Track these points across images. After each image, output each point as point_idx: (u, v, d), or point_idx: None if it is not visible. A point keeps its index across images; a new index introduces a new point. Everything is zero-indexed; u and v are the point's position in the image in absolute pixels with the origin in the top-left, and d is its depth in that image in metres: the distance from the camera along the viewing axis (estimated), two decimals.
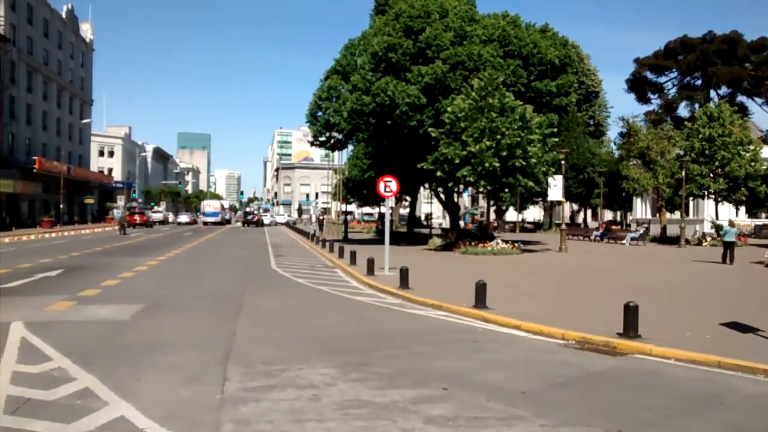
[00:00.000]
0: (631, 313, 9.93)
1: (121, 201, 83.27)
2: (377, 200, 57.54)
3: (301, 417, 6.05)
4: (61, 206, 62.63)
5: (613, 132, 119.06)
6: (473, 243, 30.00)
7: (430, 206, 77.94)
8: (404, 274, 15.80)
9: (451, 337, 10.53)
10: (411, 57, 31.42)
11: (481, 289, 12.61)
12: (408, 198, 55.71)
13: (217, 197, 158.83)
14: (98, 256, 26.43)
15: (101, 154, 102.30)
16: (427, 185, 41.34)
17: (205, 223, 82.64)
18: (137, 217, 68.60)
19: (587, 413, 6.50)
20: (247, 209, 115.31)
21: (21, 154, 60.67)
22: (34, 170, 59.96)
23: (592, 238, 46.53)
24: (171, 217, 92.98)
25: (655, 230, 48.59)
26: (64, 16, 73.80)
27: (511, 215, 73.88)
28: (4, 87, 57.06)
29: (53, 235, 46.15)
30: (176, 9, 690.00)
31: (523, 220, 74.38)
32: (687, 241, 38.11)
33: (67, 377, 7.36)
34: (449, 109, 28.38)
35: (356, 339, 10.20)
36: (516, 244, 30.43)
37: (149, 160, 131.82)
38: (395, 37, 31.32)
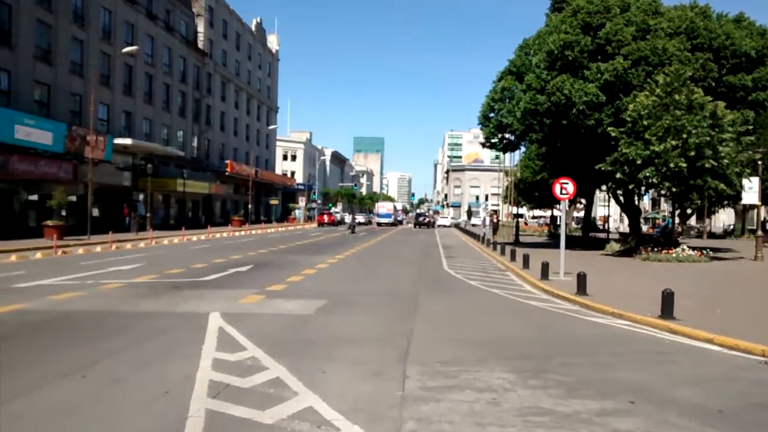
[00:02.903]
0: None
1: (302, 202, 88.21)
2: (549, 202, 56.11)
3: (481, 420, 6.02)
4: (249, 206, 67.48)
5: None
6: (656, 249, 28.26)
7: (606, 209, 74.57)
8: (582, 279, 15.23)
9: (635, 347, 9.98)
10: (589, 54, 30.28)
11: (668, 299, 11.83)
12: (583, 200, 53.63)
13: (390, 199, 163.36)
14: (283, 253, 28.15)
15: (285, 157, 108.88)
16: (603, 187, 39.65)
17: (379, 224, 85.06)
18: (326, 217, 77.67)
19: None
20: (418, 211, 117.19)
21: (215, 158, 66.26)
22: (226, 173, 65.29)
23: None
24: (347, 218, 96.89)
25: None
26: (253, 29, 79.67)
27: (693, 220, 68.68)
28: (202, 96, 62.62)
29: (242, 233, 49.86)
30: (351, 15, 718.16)
31: (727, 226, 68.78)
32: None
33: (260, 366, 7.87)
34: (631, 106, 26.98)
35: (533, 344, 9.99)
36: (704, 252, 28.22)
37: (327, 163, 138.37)
38: (572, 34, 30.32)
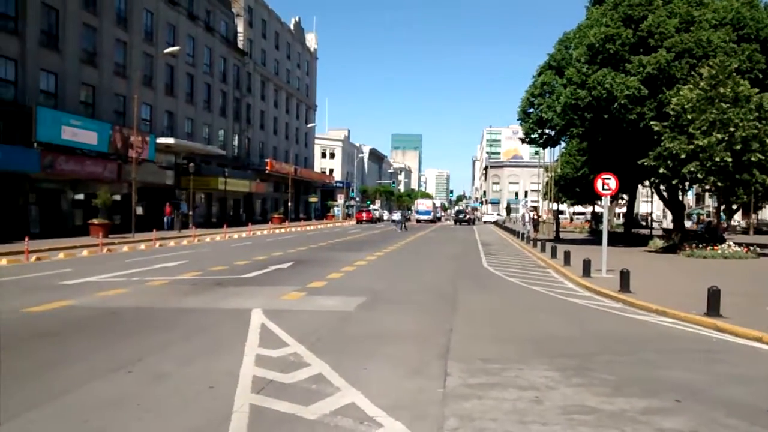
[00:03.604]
0: None
1: (341, 199, 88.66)
2: (590, 198, 55.27)
3: (524, 418, 5.98)
4: (288, 204, 68.05)
5: None
6: (700, 245, 27.67)
7: (648, 205, 73.18)
8: (625, 276, 14.98)
9: (681, 346, 9.80)
10: (630, 47, 29.73)
11: (714, 296, 11.58)
12: (625, 196, 52.77)
13: (428, 196, 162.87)
14: (322, 250, 28.33)
15: (323, 155, 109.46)
16: (646, 182, 38.97)
17: (418, 221, 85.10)
18: (364, 214, 77.45)
19: None
20: (458, 208, 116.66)
21: (255, 156, 66.99)
22: (266, 171, 65.96)
23: None
24: (386, 215, 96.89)
25: None
26: (292, 28, 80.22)
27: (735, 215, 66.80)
28: (242, 96, 63.34)
29: (282, 230, 50.30)
30: (389, 13, 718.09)
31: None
32: None
33: (303, 362, 7.94)
34: (674, 100, 26.44)
35: (575, 342, 9.88)
36: (751, 248, 27.53)
37: (365, 160, 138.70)
38: (613, 27, 29.82)
